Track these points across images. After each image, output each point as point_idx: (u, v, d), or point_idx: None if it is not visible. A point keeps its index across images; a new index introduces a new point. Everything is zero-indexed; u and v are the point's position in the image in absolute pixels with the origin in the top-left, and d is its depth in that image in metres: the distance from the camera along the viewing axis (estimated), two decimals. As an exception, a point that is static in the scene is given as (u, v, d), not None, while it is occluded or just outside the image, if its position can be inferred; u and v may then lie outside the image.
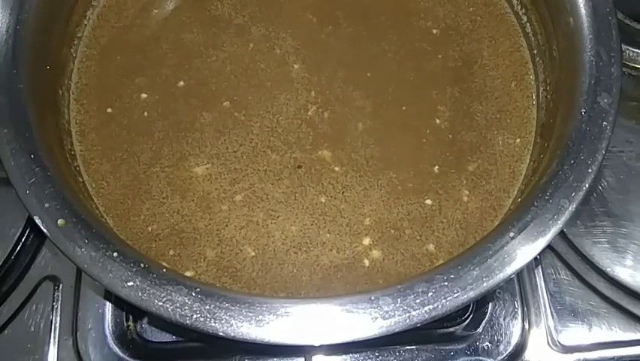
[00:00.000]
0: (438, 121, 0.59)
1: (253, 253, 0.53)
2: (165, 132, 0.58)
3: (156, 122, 0.59)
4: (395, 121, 0.59)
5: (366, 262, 0.53)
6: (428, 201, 0.56)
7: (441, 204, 0.55)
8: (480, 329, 0.62)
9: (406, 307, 0.42)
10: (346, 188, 0.56)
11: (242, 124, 0.59)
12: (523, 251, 0.45)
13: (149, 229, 0.54)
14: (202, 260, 0.53)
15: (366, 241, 0.54)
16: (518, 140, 0.58)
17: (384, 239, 0.54)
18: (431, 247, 0.54)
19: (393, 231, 0.54)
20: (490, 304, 0.63)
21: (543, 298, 0.63)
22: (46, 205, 0.46)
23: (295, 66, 0.61)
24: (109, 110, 0.59)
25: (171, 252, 0.53)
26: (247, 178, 0.56)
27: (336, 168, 0.57)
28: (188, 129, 0.58)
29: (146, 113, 0.59)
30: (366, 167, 0.57)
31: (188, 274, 0.52)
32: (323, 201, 0.55)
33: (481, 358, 0.61)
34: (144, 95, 0.60)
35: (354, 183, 0.56)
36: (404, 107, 0.59)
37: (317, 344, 0.42)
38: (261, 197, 0.56)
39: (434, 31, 0.63)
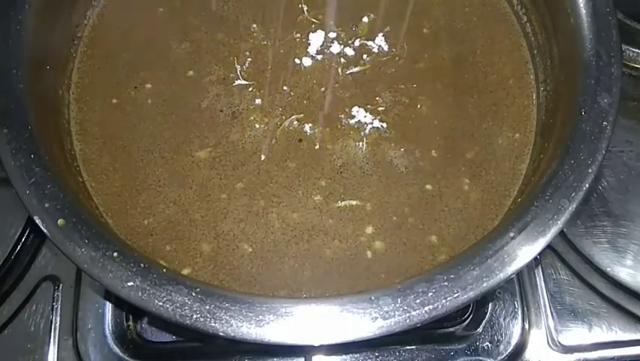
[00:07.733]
0: (421, 107, 0.59)
1: (250, 250, 0.53)
2: (168, 116, 0.59)
3: (160, 107, 0.59)
4: (379, 105, 0.59)
5: (369, 254, 0.53)
6: (428, 186, 0.56)
7: (441, 191, 0.56)
8: (480, 329, 0.62)
9: (406, 307, 0.42)
10: (344, 169, 0.56)
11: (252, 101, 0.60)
12: (523, 251, 0.45)
13: (145, 222, 0.54)
14: (198, 256, 0.53)
15: (369, 230, 0.54)
16: (517, 135, 0.58)
17: (387, 227, 0.54)
18: (434, 238, 0.54)
19: (395, 218, 0.54)
20: (490, 304, 0.63)
21: (543, 298, 0.64)
22: (46, 205, 0.46)
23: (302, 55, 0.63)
24: (114, 100, 0.59)
25: (168, 247, 0.53)
26: (254, 159, 0.56)
27: (331, 146, 0.57)
28: (195, 110, 0.59)
29: (150, 101, 0.59)
30: (365, 150, 0.57)
31: (185, 271, 0.52)
32: (324, 184, 0.55)
33: (481, 358, 0.61)
34: (149, 86, 0.60)
35: (351, 163, 0.56)
36: (381, 97, 0.60)
37: (317, 344, 0.42)
38: (265, 180, 0.56)
39: (424, 30, 0.64)
